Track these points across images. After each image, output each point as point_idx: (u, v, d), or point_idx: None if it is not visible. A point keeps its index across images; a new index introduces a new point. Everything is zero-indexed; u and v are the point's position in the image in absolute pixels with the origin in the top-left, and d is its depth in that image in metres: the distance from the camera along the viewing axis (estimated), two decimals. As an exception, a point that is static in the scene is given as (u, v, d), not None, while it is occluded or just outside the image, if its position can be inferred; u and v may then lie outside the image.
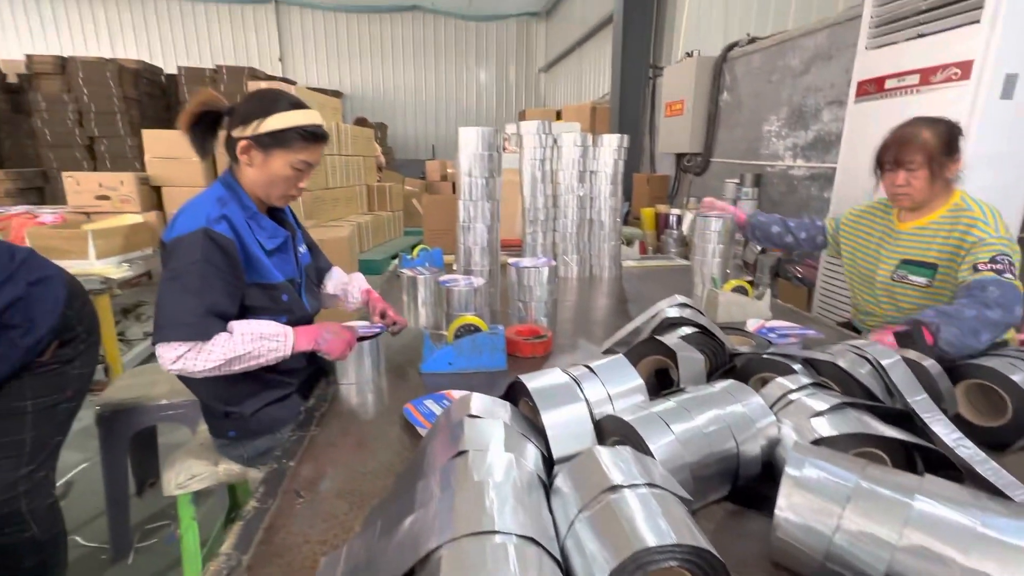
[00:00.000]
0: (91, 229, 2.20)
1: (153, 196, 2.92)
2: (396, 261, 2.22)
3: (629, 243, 3.05)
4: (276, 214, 1.08)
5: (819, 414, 0.69)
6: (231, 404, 0.98)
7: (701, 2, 4.53)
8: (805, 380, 0.78)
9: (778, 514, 0.55)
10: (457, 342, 1.11)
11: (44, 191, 5.31)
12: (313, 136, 0.98)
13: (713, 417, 0.68)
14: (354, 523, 0.65)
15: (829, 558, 0.51)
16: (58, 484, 1.28)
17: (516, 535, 0.44)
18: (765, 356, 0.88)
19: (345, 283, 1.24)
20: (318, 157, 1.01)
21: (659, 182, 4.75)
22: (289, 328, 0.95)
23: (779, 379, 0.79)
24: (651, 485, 0.51)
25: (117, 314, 2.90)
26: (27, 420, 1.06)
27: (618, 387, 0.77)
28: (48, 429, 1.10)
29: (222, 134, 1.00)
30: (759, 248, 3.02)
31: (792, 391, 0.75)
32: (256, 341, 0.90)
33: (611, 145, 1.98)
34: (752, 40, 3.59)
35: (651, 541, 0.44)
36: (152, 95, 5.97)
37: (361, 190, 3.57)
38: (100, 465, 1.38)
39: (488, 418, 0.66)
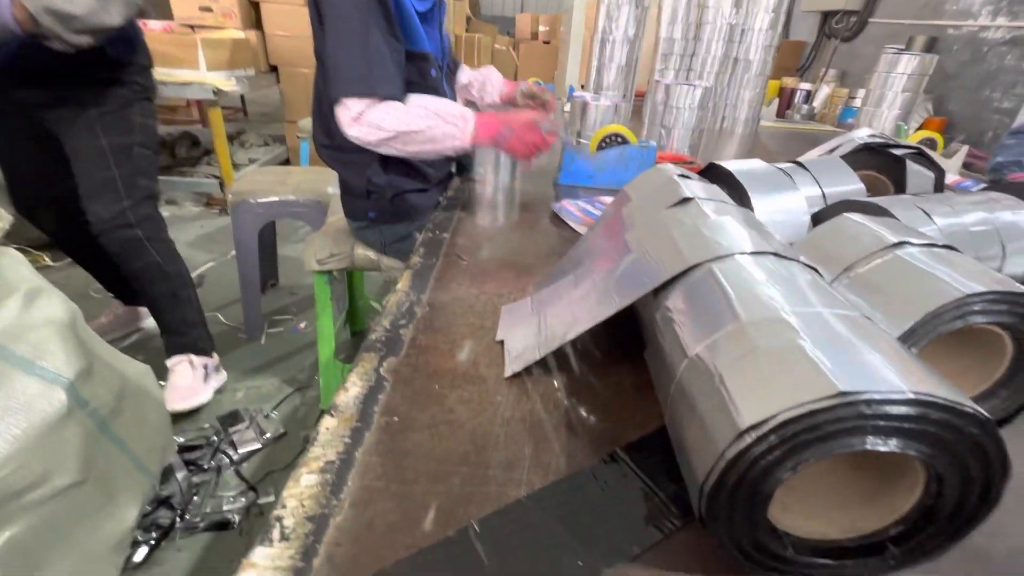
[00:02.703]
0: (201, 38, 2.15)
1: (252, 13, 2.81)
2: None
3: (767, 101, 2.63)
4: None
5: None
6: (374, 183, 0.94)
7: None
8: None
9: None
10: (601, 153, 1.00)
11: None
12: None
13: (981, 219, 0.55)
14: (527, 286, 0.61)
15: None
16: (192, 275, 1.39)
17: (799, 260, 0.36)
18: (1015, 180, 0.70)
19: (481, 78, 1.12)
20: None
21: (790, 49, 4.03)
22: (469, 111, 0.84)
23: (1050, 199, 0.62)
24: (947, 247, 0.41)
25: (222, 140, 2.97)
26: (109, 159, 1.16)
27: (835, 188, 0.64)
28: (131, 169, 1.19)
29: None
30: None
31: (1076, 209, 0.59)
32: (433, 119, 0.81)
33: (781, -40, 1.60)
34: None
35: (977, 287, 0.34)
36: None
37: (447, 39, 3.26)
38: (234, 258, 1.47)
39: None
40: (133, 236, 1.20)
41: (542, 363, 0.46)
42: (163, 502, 0.95)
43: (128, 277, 1.27)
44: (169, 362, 1.33)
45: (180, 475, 0.99)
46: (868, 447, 0.22)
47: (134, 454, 0.81)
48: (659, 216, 0.47)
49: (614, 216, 0.57)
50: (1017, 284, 0.35)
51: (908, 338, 0.35)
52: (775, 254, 0.35)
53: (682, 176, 0.54)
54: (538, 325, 0.49)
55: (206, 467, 1.06)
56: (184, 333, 1.33)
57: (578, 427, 0.40)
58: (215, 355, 1.39)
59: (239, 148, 3.00)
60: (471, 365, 0.46)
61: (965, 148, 1.23)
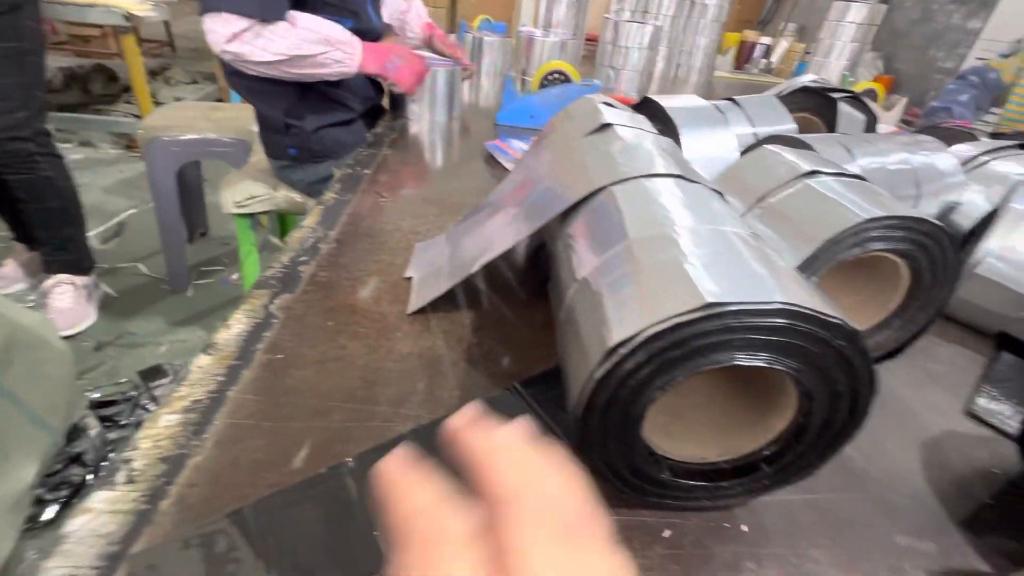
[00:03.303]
0: (105, -49, 1.88)
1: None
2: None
3: (723, 51, 2.59)
4: None
5: (1031, 173, 0.55)
6: (292, 116, 0.86)
7: None
8: (1002, 143, 0.62)
9: (989, 248, 0.44)
10: (543, 91, 0.95)
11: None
12: None
13: (902, 159, 0.55)
14: (448, 224, 0.57)
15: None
16: (109, 224, 1.27)
17: (703, 184, 0.34)
18: (944, 126, 0.71)
19: (403, 11, 1.03)
20: None
21: (751, 3, 3.98)
22: (358, 40, 0.80)
23: (966, 143, 0.64)
24: (857, 177, 0.40)
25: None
26: (2, 67, 1.10)
27: (767, 127, 0.63)
28: (25, 78, 1.13)
29: None
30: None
31: (988, 152, 0.60)
32: (321, 45, 0.75)
33: None
34: None
35: (877, 212, 0.33)
36: None
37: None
38: (152, 207, 1.35)
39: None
40: (26, 149, 1.15)
41: (451, 300, 0.44)
42: (74, 459, 0.89)
43: (15, 189, 1.20)
44: (49, 283, 1.29)
45: (94, 432, 0.93)
46: (736, 363, 0.21)
47: (30, 409, 0.74)
48: (576, 144, 0.44)
49: (537, 146, 0.54)
50: (915, 210, 0.35)
51: (809, 265, 0.34)
52: (680, 176, 0.33)
53: (607, 105, 0.51)
54: (448, 260, 0.46)
55: (124, 423, 1.00)
56: (70, 251, 1.30)
57: (480, 362, 0.38)
58: (93, 274, 1.36)
59: (163, 85, 2.73)
60: (373, 302, 0.43)
61: (904, 101, 1.26)
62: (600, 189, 0.34)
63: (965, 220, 0.55)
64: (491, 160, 0.78)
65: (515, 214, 0.43)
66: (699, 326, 0.20)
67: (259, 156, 1.04)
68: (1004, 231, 0.43)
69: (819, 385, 0.22)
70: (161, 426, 0.30)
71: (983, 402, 0.39)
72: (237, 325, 0.39)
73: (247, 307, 0.41)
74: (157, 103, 2.41)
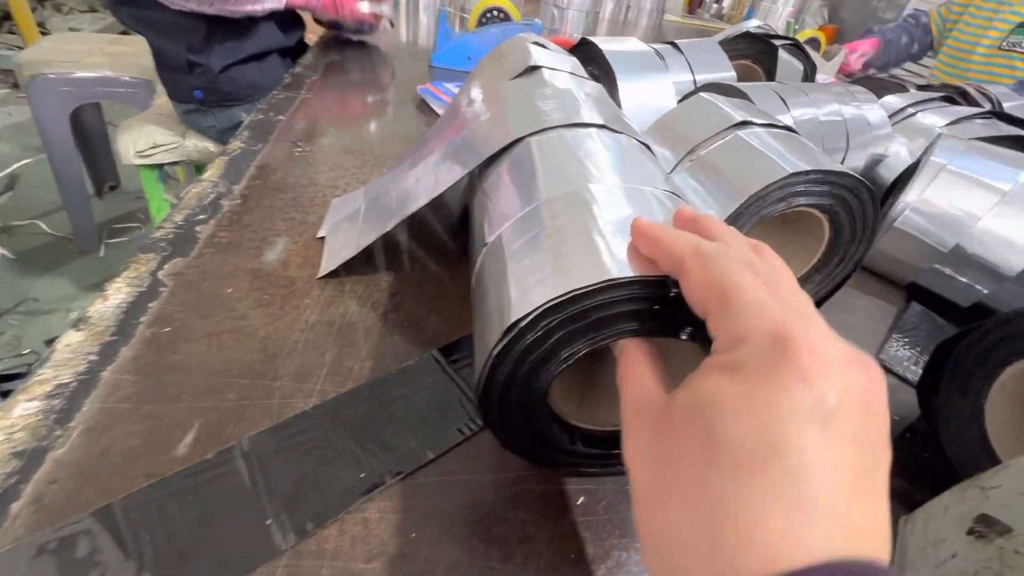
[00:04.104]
0: None
1: None
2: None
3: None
4: None
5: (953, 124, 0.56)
6: (196, 52, 0.76)
7: None
8: (929, 94, 0.63)
9: (907, 201, 0.45)
10: (481, 30, 0.88)
11: None
12: None
13: (833, 110, 0.54)
14: (369, 177, 0.53)
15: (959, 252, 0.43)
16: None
17: (626, 134, 0.32)
18: (877, 77, 0.72)
19: None
20: None
21: (706, -57, 3.86)
22: None
23: (896, 94, 0.64)
24: (787, 128, 0.39)
25: (32, 1, 2.33)
26: None
27: (706, 74, 0.61)
28: None
29: None
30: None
31: (914, 104, 0.61)
32: None
33: None
34: None
35: (802, 165, 0.32)
36: None
37: None
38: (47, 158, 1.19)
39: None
40: None
41: (369, 261, 0.41)
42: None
43: None
44: None
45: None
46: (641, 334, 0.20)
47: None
48: (501, 88, 0.40)
49: (465, 88, 0.49)
50: (839, 165, 0.34)
51: (734, 221, 0.33)
52: (604, 127, 0.31)
53: (539, 45, 0.47)
54: (364, 216, 0.42)
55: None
56: None
57: (396, 329, 0.35)
58: None
59: (53, 13, 2.37)
60: (280, 265, 0.39)
61: (844, 51, 1.26)
62: (518, 140, 0.31)
63: (889, 173, 0.56)
64: (423, 106, 0.72)
65: (437, 164, 0.39)
66: (601, 296, 0.18)
67: (165, 98, 0.92)
68: (921, 184, 0.44)
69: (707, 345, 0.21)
70: (16, 416, 0.27)
71: (891, 350, 0.40)
72: (116, 295, 0.34)
73: (129, 274, 0.36)
74: (46, 33, 2.10)
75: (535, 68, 0.40)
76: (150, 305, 0.34)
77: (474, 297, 0.27)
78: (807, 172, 0.32)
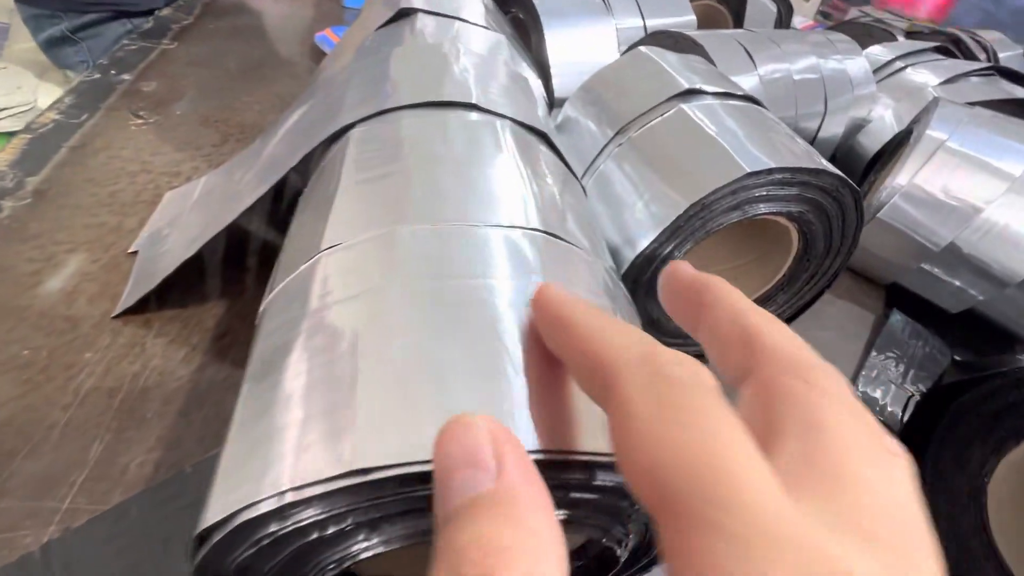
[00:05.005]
0: None
1: None
2: None
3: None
4: None
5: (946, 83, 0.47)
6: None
7: None
8: (920, 44, 0.53)
9: (896, 185, 0.36)
10: (402, -38, 0.73)
11: None
12: None
13: (810, 65, 0.44)
14: (228, 158, 0.41)
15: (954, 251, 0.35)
16: None
17: (509, 118, 0.21)
18: (860, 21, 0.61)
19: None
20: None
21: None
22: None
23: (882, 44, 0.54)
24: (749, 99, 0.29)
25: None
26: None
27: (659, 19, 0.50)
28: None
29: None
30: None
31: (903, 56, 0.52)
32: None
33: None
34: None
35: (762, 161, 0.23)
36: None
37: None
38: None
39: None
40: None
41: (193, 289, 0.30)
42: None
43: None
44: None
45: None
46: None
47: None
48: (360, 43, 0.29)
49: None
50: (816, 158, 0.25)
51: (671, 238, 0.24)
52: (475, 107, 0.20)
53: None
54: (190, 220, 0.31)
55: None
56: None
57: (212, 394, 0.26)
58: None
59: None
60: (63, 299, 0.28)
61: (821, -9, 1.14)
62: (343, 131, 0.20)
63: (871, 142, 0.47)
64: (321, 58, 0.59)
65: (272, 154, 0.28)
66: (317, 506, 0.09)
67: (20, 44, 0.75)
68: (914, 164, 0.35)
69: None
70: None
71: (861, 387, 0.33)
72: None
73: None
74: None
75: (408, 12, 0.29)
76: None
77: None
78: (769, 171, 0.23)
